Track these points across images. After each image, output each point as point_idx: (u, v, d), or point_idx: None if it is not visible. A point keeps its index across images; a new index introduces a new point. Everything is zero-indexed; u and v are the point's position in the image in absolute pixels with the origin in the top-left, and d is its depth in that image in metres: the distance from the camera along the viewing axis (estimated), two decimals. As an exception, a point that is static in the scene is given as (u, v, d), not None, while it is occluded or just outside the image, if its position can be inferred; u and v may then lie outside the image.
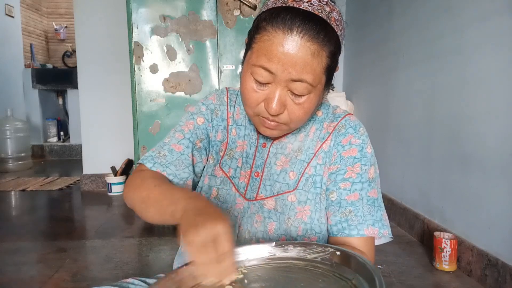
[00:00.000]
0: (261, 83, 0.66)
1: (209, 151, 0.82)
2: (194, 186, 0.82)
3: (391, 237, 0.76)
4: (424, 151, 2.08)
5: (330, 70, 0.67)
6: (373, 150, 0.78)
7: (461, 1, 1.73)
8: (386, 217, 0.76)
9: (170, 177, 0.74)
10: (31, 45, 5.84)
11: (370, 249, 0.74)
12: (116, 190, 3.16)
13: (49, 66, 5.88)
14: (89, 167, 3.36)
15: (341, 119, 0.77)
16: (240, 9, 2.24)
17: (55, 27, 6.44)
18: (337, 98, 3.14)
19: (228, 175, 0.79)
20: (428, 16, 2.02)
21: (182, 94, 2.27)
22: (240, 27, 2.25)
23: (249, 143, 0.80)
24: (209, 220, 0.50)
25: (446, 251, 1.68)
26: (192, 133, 0.79)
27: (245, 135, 0.81)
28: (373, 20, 2.80)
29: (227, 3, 2.24)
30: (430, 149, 2.02)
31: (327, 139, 0.76)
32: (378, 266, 1.75)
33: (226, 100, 0.83)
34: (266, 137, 0.79)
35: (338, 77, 3.44)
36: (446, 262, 1.69)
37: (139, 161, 0.77)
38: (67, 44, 6.32)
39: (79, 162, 3.49)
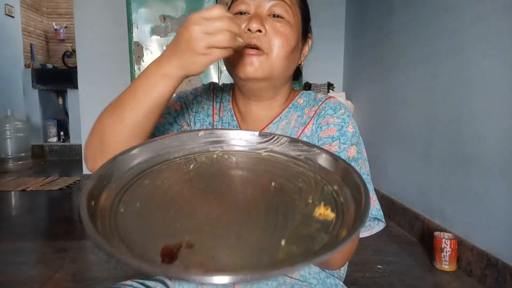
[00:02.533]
0: (241, 14, 0.70)
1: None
2: None
3: (384, 223, 0.72)
4: (424, 151, 2.08)
5: (304, 15, 0.73)
6: (356, 131, 0.73)
7: (461, 1, 1.73)
8: (373, 198, 0.70)
9: None
10: (31, 45, 5.84)
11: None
12: (116, 190, 3.16)
13: (49, 66, 5.87)
14: (89, 167, 3.36)
15: (322, 103, 0.76)
16: (240, 9, 2.25)
17: (55, 27, 6.44)
18: (337, 98, 3.14)
19: None
20: (428, 16, 2.02)
21: (182, 94, 2.27)
22: (240, 27, 2.25)
23: None
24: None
25: (446, 251, 1.68)
26: (179, 113, 0.79)
27: None
28: (373, 20, 2.80)
29: (227, 3, 2.24)
30: (430, 149, 2.01)
31: (308, 123, 0.75)
32: (378, 266, 1.76)
33: (212, 95, 0.84)
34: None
35: (338, 77, 3.44)
36: (446, 262, 1.69)
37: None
38: (67, 44, 6.32)
39: (79, 162, 3.49)
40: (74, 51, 5.97)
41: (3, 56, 4.95)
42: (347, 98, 3.20)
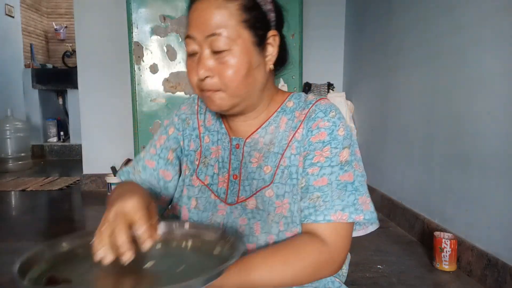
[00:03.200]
0: (191, 54, 0.70)
1: (183, 160, 0.84)
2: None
3: (377, 224, 0.73)
4: (424, 151, 2.08)
5: (252, 24, 0.68)
6: (348, 133, 0.72)
7: (461, 1, 1.73)
8: (366, 202, 0.71)
9: (177, 194, 0.83)
10: (31, 45, 5.84)
11: (339, 236, 0.68)
12: (116, 190, 3.16)
13: (49, 66, 5.88)
14: (89, 167, 3.36)
15: (312, 105, 0.74)
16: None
17: (55, 27, 6.44)
18: (337, 98, 3.14)
19: (205, 183, 0.79)
20: (428, 16, 2.02)
21: (182, 94, 2.27)
22: (240, 27, 2.25)
23: (223, 147, 0.79)
24: (116, 201, 0.61)
25: (446, 251, 1.68)
26: (163, 148, 0.83)
27: (218, 139, 0.81)
28: (373, 20, 2.80)
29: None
30: (430, 149, 2.02)
31: (299, 127, 0.74)
32: (378, 266, 1.76)
33: (196, 108, 0.85)
34: (239, 138, 0.78)
35: (338, 77, 3.44)
36: (446, 262, 1.69)
37: (117, 174, 0.86)
38: (67, 44, 6.32)
39: (79, 162, 3.49)
40: (74, 51, 5.97)
41: (3, 56, 4.95)
42: (347, 98, 3.20)
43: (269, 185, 0.73)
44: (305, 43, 2.35)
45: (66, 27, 6.45)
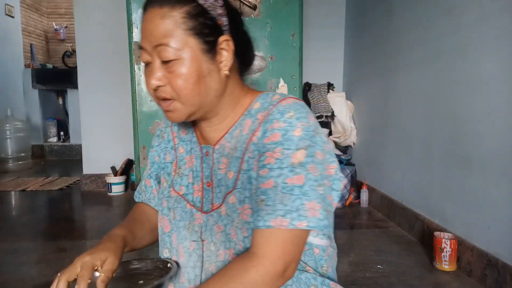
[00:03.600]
0: (146, 64, 0.71)
1: (160, 173, 0.86)
2: None
3: (322, 230, 0.68)
4: (424, 151, 2.08)
5: (199, 32, 0.67)
6: (307, 134, 0.67)
7: (461, 1, 1.73)
8: (315, 208, 0.64)
9: (156, 207, 0.87)
10: (31, 45, 5.84)
11: (274, 245, 0.63)
12: (116, 190, 3.16)
13: (49, 66, 5.88)
14: (89, 167, 3.36)
15: (273, 106, 0.70)
16: (240, 9, 2.24)
17: (55, 27, 6.44)
18: (337, 98, 3.14)
19: (181, 193, 0.79)
20: (428, 16, 2.02)
21: (182, 94, 2.27)
22: (240, 27, 2.25)
23: (195, 156, 0.80)
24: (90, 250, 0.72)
25: (446, 251, 1.68)
26: (152, 172, 0.88)
27: (191, 149, 0.81)
28: (373, 20, 2.80)
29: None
30: (430, 149, 2.02)
31: (257, 130, 0.71)
32: (378, 266, 1.76)
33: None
34: (208, 145, 0.78)
35: (338, 77, 3.44)
36: (446, 262, 1.69)
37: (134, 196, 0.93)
38: (67, 44, 6.32)
39: (79, 162, 3.49)
40: (74, 51, 5.98)
41: (3, 56, 4.95)
42: (347, 98, 3.20)
43: (231, 191, 0.72)
44: (305, 43, 2.35)
45: (66, 27, 6.45)
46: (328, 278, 0.77)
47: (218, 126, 0.77)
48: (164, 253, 0.80)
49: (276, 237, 0.63)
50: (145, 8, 0.70)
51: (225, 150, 0.75)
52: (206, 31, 0.68)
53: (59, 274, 0.66)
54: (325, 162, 0.69)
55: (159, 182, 0.87)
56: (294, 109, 0.69)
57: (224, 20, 0.70)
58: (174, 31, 0.66)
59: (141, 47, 0.70)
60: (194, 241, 0.75)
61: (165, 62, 0.67)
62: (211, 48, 0.69)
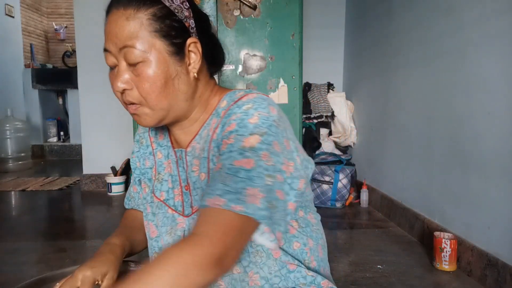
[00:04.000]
0: (111, 68, 0.70)
1: (142, 179, 0.86)
2: None
3: (259, 221, 0.59)
4: (424, 151, 2.08)
5: (166, 34, 0.66)
6: (265, 122, 0.64)
7: (461, 1, 1.73)
8: (257, 196, 0.58)
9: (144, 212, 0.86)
10: (31, 45, 5.84)
11: (216, 224, 0.57)
12: (116, 190, 3.16)
13: (49, 66, 5.88)
14: (89, 167, 3.36)
15: (234, 102, 0.69)
16: (240, 9, 2.24)
17: (55, 27, 6.44)
18: (337, 98, 3.14)
19: (161, 199, 0.79)
20: (428, 16, 2.02)
21: (182, 94, 2.27)
22: (240, 27, 2.25)
23: (172, 160, 0.79)
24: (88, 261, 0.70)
25: (446, 251, 1.68)
26: (135, 177, 0.88)
27: (168, 153, 0.80)
28: (373, 20, 2.80)
29: (227, 3, 2.24)
30: (430, 149, 2.02)
31: (217, 127, 0.70)
32: (378, 266, 1.76)
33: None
34: (181, 149, 0.77)
35: (338, 77, 3.44)
36: (446, 262, 1.69)
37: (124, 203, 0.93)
38: (67, 44, 6.32)
39: (79, 162, 3.49)
40: (74, 51, 5.97)
41: (3, 56, 4.95)
42: (347, 98, 3.20)
43: None
44: (305, 43, 2.35)
45: (66, 27, 6.45)
46: (318, 273, 0.76)
47: (188, 128, 0.76)
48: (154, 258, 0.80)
49: (218, 218, 0.57)
50: (109, 9, 0.67)
51: (196, 152, 0.74)
52: (173, 33, 0.67)
53: (58, 284, 0.66)
54: (284, 156, 0.65)
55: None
56: (253, 102, 0.67)
57: (191, 23, 0.69)
58: (140, 33, 0.64)
59: (105, 49, 0.68)
60: None
61: (131, 65, 0.66)
62: (179, 51, 0.67)
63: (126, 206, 0.92)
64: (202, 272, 0.53)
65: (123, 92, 0.68)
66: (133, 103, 0.68)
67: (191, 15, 0.70)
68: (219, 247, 0.55)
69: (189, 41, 0.69)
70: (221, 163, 0.62)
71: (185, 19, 0.68)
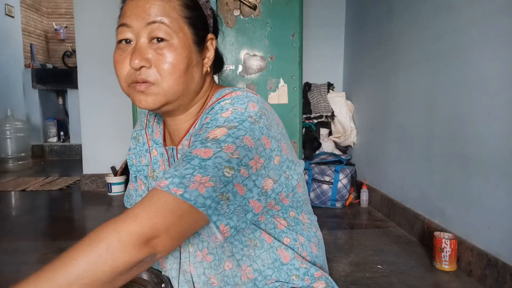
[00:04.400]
0: (125, 43, 0.69)
1: (137, 177, 0.87)
2: None
3: (197, 208, 0.57)
4: (424, 151, 2.08)
5: (193, 23, 0.69)
6: (235, 116, 0.64)
7: (461, 1, 1.73)
8: (204, 184, 0.57)
9: None
10: (31, 45, 5.84)
11: (150, 204, 0.56)
12: (116, 190, 3.16)
13: (49, 66, 5.88)
14: (89, 167, 3.36)
15: (217, 99, 0.69)
16: (240, 9, 2.24)
17: (55, 27, 6.44)
18: (337, 98, 3.14)
19: None
20: (428, 16, 2.02)
21: (182, 94, 2.27)
22: (240, 27, 2.25)
23: (165, 159, 0.80)
24: None
25: (446, 251, 1.68)
26: (132, 174, 0.89)
27: (162, 152, 0.81)
28: (373, 20, 2.80)
29: (227, 3, 2.24)
30: (430, 149, 2.02)
31: (195, 121, 0.73)
32: (378, 266, 1.76)
33: (145, 122, 0.86)
34: (172, 147, 0.77)
35: (338, 77, 3.44)
36: (446, 262, 1.69)
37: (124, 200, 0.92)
38: (67, 44, 6.32)
39: (79, 162, 3.49)
40: (74, 51, 5.98)
41: (3, 56, 4.95)
42: (347, 98, 3.20)
43: None
44: (305, 43, 2.35)
45: (66, 27, 6.45)
46: (314, 264, 0.77)
47: (182, 125, 0.76)
48: None
49: (154, 198, 0.56)
50: None
51: (185, 149, 0.75)
52: (199, 25, 0.70)
53: None
54: (256, 153, 0.63)
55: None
56: (234, 98, 0.67)
57: (211, 22, 0.74)
58: (172, 14, 0.66)
59: (123, 24, 0.68)
60: None
61: (155, 43, 0.66)
62: (201, 42, 0.71)
63: (125, 204, 0.93)
64: (125, 249, 0.52)
65: (139, 69, 0.66)
66: (146, 82, 0.67)
67: (212, 15, 0.74)
68: (146, 227, 0.53)
69: (209, 36, 0.73)
70: (185, 153, 0.63)
71: (207, 17, 0.73)
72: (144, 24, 0.65)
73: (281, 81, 2.25)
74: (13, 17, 5.26)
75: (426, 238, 1.99)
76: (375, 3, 2.75)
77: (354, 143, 3.11)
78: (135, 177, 0.88)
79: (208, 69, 0.73)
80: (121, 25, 0.68)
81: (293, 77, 2.25)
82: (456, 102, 1.78)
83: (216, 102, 0.68)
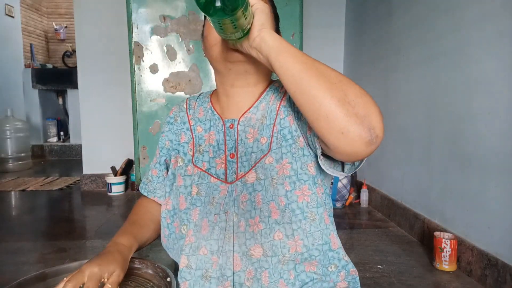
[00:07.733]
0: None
1: (172, 155, 0.88)
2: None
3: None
4: (424, 151, 2.08)
5: (272, 3, 0.81)
6: None
7: (461, 1, 1.73)
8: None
9: (161, 199, 0.90)
10: (31, 45, 5.84)
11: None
12: (116, 190, 3.16)
13: (49, 66, 5.88)
14: (89, 167, 3.36)
15: (273, 83, 0.82)
16: (240, 9, 2.24)
17: (55, 27, 6.44)
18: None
19: (204, 169, 0.81)
20: (429, 16, 2.02)
21: (182, 94, 2.27)
22: (240, 27, 2.25)
23: (216, 131, 0.83)
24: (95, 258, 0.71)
25: (446, 251, 1.68)
26: (161, 156, 0.91)
27: (211, 126, 0.84)
28: (373, 20, 2.80)
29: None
30: (430, 149, 2.02)
31: (284, 96, 0.79)
32: (378, 266, 1.76)
33: (185, 106, 0.91)
34: (232, 119, 0.81)
35: (338, 77, 3.43)
36: (446, 262, 1.69)
37: (139, 188, 0.95)
38: (67, 44, 6.32)
39: (79, 162, 3.49)
40: (74, 51, 5.98)
41: (3, 56, 4.95)
42: (347, 98, 3.20)
43: (267, 153, 0.76)
44: (305, 43, 2.35)
45: (66, 27, 6.45)
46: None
47: (246, 98, 0.81)
48: (182, 230, 0.80)
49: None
50: None
51: (252, 121, 0.80)
52: (274, 10, 0.82)
53: (65, 278, 0.65)
54: None
55: (166, 168, 0.90)
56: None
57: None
58: None
59: None
60: (216, 214, 0.76)
61: None
62: (275, 21, 0.81)
63: (141, 191, 0.94)
64: (363, 101, 0.61)
65: None
66: None
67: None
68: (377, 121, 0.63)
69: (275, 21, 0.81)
70: None
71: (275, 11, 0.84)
72: None
73: (281, 81, 2.25)
74: (13, 17, 5.26)
75: (426, 238, 1.99)
76: (375, 3, 2.75)
77: (354, 143, 3.11)
78: (164, 159, 0.90)
79: None
80: None
81: (293, 77, 2.25)
82: (456, 102, 1.78)
83: (273, 85, 0.81)
